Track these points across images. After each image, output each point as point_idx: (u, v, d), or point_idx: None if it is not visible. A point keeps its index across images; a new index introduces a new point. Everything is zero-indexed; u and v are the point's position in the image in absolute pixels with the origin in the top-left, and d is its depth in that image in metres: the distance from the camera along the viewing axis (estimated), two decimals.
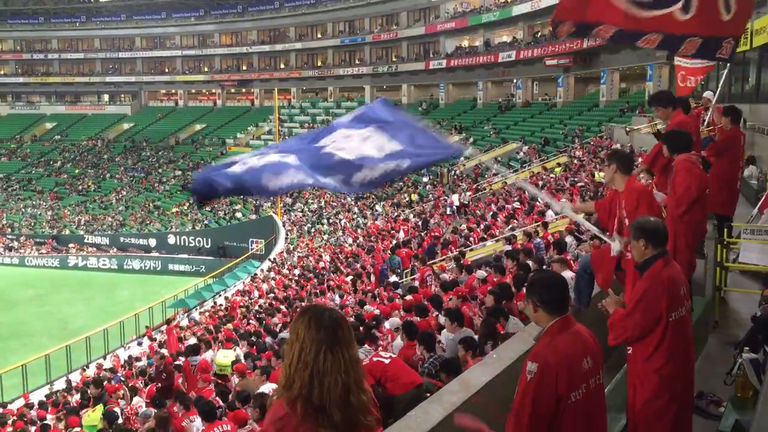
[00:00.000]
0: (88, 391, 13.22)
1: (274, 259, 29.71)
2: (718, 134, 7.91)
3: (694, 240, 5.49)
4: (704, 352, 5.76)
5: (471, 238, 17.36)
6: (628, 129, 11.21)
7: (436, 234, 19.50)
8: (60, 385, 18.78)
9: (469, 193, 26.13)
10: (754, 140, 13.13)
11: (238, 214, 42.41)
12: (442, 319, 7.97)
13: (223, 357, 10.91)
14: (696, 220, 5.37)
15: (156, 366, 12.62)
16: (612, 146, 22.40)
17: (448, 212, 24.52)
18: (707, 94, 10.49)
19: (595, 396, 3.16)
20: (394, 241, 20.47)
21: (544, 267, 8.58)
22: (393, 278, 14.95)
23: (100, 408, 10.89)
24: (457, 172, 33.60)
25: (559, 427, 3.02)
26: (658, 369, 3.60)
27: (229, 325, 17.00)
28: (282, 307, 17.98)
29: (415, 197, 32.09)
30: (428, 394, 5.34)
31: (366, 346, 8.29)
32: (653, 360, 3.62)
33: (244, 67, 61.59)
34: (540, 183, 21.82)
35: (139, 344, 21.82)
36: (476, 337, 6.67)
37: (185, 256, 39.21)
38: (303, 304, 16.47)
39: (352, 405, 2.20)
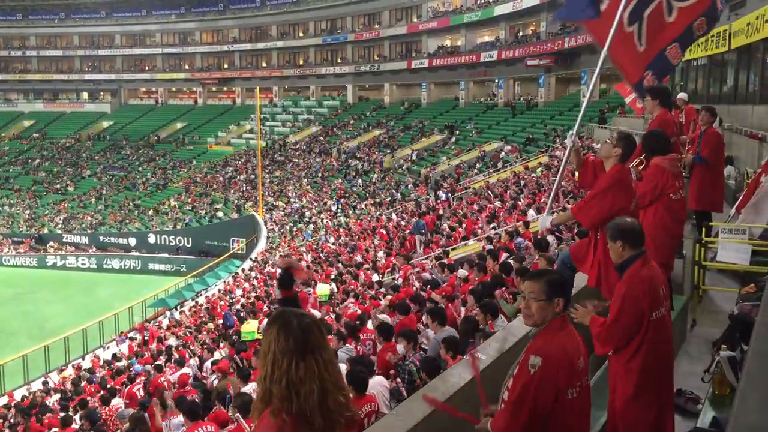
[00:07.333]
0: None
1: (256, 258, 29.56)
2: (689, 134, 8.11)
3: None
4: (682, 350, 5.81)
5: (452, 237, 17.40)
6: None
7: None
8: (37, 385, 18.57)
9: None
10: (732, 141, 13.27)
11: (219, 213, 42.11)
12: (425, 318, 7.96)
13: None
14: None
15: None
16: (593, 145, 22.53)
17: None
18: (682, 95, 10.60)
19: (586, 395, 3.17)
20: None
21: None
22: (375, 277, 14.97)
23: (254, 322, 12.33)
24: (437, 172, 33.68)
25: (554, 424, 3.02)
26: (637, 369, 3.61)
27: (211, 325, 16.92)
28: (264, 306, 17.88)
29: (397, 197, 32.04)
30: None
31: (348, 345, 8.29)
32: (633, 360, 3.63)
33: (226, 66, 61.21)
34: (522, 182, 21.93)
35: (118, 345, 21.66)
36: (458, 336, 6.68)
37: (166, 255, 38.89)
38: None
39: (330, 409, 2.18)
